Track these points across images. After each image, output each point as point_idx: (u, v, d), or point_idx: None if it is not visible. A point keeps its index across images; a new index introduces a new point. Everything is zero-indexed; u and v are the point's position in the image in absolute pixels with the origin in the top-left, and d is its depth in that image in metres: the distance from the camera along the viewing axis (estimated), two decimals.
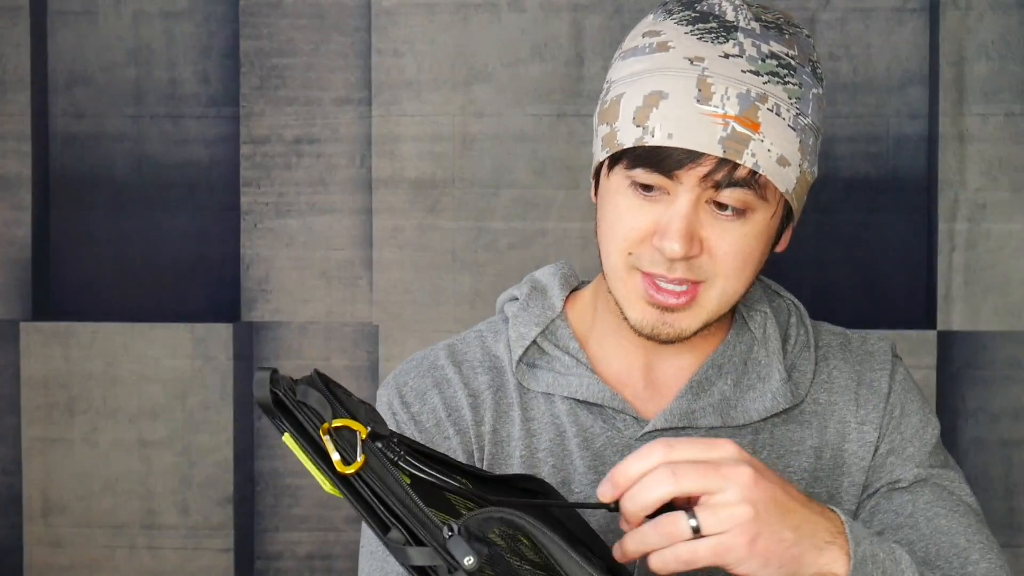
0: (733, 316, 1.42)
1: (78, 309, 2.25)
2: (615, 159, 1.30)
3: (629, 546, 1.11)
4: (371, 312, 2.20)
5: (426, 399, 1.40)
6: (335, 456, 1.02)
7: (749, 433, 1.37)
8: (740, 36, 1.28)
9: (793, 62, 1.29)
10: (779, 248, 1.37)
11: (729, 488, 1.09)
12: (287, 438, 1.03)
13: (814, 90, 1.31)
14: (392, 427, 1.40)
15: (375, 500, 1.03)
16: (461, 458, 1.38)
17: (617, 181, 1.30)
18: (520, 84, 2.17)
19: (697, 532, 1.08)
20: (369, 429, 1.04)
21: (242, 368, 2.20)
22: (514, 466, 1.37)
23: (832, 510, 1.15)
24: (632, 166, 1.28)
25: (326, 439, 1.03)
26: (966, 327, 2.14)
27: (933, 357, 2.12)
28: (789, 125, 1.27)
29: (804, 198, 1.36)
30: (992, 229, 2.13)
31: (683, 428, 1.36)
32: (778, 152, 1.27)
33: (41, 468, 2.21)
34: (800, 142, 1.29)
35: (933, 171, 2.14)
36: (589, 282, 1.46)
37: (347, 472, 1.02)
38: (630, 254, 1.30)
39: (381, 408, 1.43)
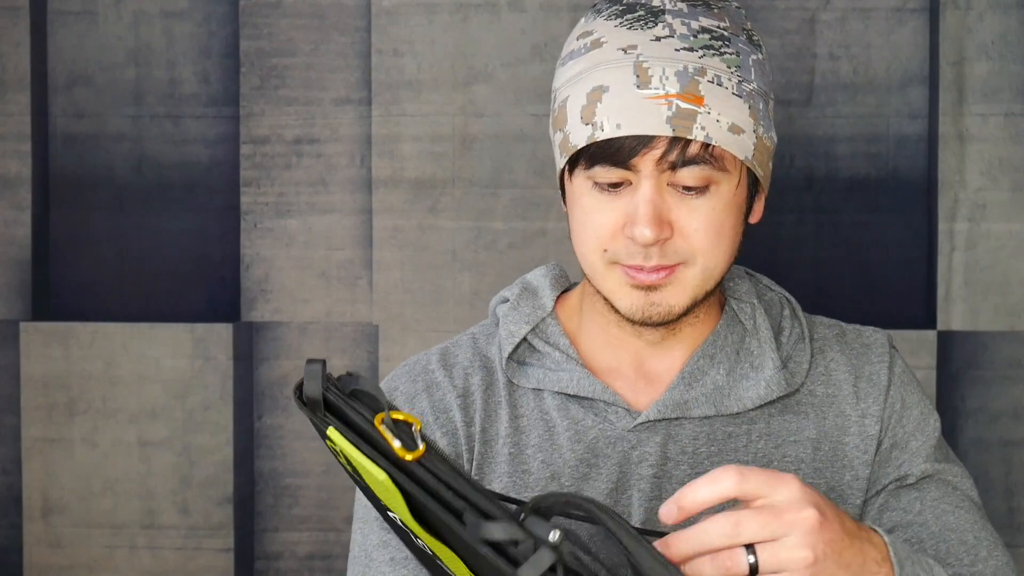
0: (723, 308, 1.43)
1: (78, 309, 2.25)
2: (573, 162, 1.31)
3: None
4: (371, 312, 2.20)
5: (415, 403, 1.41)
6: (396, 443, 1.00)
7: (744, 423, 1.37)
8: (668, 18, 1.30)
9: (726, 32, 1.30)
10: (753, 219, 1.38)
11: (792, 535, 1.06)
12: (333, 432, 1.02)
13: (754, 56, 1.32)
14: None
15: (441, 484, 1.00)
16: None
17: (579, 184, 1.32)
18: (520, 84, 2.17)
19: (754, 570, 1.06)
20: (421, 421, 1.04)
21: (242, 368, 2.20)
22: (501, 464, 1.38)
23: (875, 531, 1.14)
24: (590, 165, 1.29)
25: (382, 428, 1.01)
26: (966, 327, 2.14)
27: (933, 357, 2.12)
28: (734, 93, 1.29)
29: (769, 166, 1.36)
30: (992, 229, 2.13)
31: (676, 419, 1.37)
32: (728, 121, 1.28)
33: (41, 468, 2.21)
34: (750, 108, 1.30)
35: (933, 171, 2.14)
36: (579, 283, 1.46)
37: (409, 458, 1.00)
38: (605, 251, 1.31)
39: None
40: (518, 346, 1.41)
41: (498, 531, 0.98)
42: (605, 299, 1.35)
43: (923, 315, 2.17)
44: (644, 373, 1.40)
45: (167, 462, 2.20)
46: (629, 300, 1.32)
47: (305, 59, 2.20)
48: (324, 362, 1.03)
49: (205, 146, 2.24)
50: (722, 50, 1.29)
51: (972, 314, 2.14)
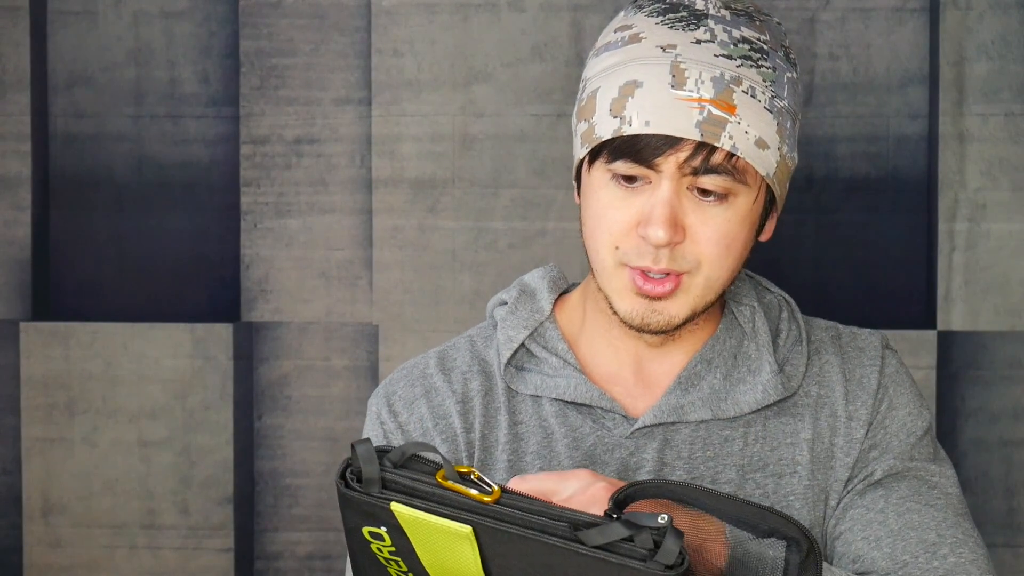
0: (722, 311, 1.42)
1: (78, 309, 2.25)
2: (595, 154, 1.31)
3: None
4: (371, 312, 2.20)
5: (414, 408, 1.40)
6: (473, 492, 1.01)
7: (741, 426, 1.37)
8: (711, 23, 1.29)
9: (765, 46, 1.30)
10: (763, 237, 1.38)
11: (590, 510, 1.09)
12: (398, 507, 1.02)
13: (788, 74, 1.31)
14: (380, 437, 1.41)
15: (532, 514, 1.02)
16: None
17: (598, 176, 1.31)
18: (520, 84, 2.17)
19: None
20: (476, 468, 1.05)
21: (242, 368, 2.20)
22: (500, 470, 1.37)
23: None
24: (612, 159, 1.29)
25: (450, 484, 1.02)
26: (966, 327, 2.14)
27: (933, 357, 2.12)
28: (765, 107, 1.28)
29: (787, 185, 1.36)
30: (992, 229, 2.13)
31: (672, 423, 1.37)
32: (756, 134, 1.27)
33: (41, 468, 2.21)
34: (778, 124, 1.29)
35: (933, 171, 2.14)
36: (578, 284, 1.46)
37: (489, 500, 1.02)
38: (617, 248, 1.31)
39: (369, 417, 1.43)
40: (516, 351, 1.41)
41: (615, 532, 1.00)
42: (606, 298, 1.35)
43: (923, 315, 2.17)
44: (643, 378, 1.40)
45: (167, 462, 2.20)
46: (631, 305, 1.32)
47: (305, 59, 2.20)
48: (370, 440, 1.03)
49: (205, 146, 2.23)
50: (760, 63, 1.29)
51: (972, 314, 2.13)
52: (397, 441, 1.39)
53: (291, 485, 2.21)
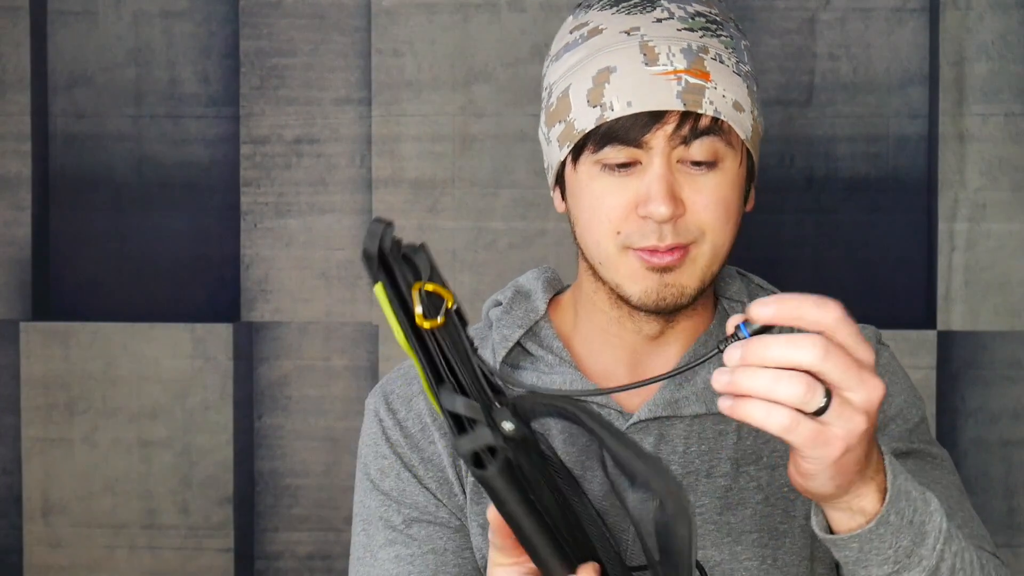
0: (715, 308, 1.43)
1: (78, 309, 2.25)
2: (578, 150, 1.32)
3: (747, 382, 1.02)
4: (371, 312, 2.20)
5: (411, 405, 1.41)
6: (418, 309, 1.02)
7: (734, 420, 1.37)
8: (664, 3, 1.34)
9: (718, 18, 1.35)
10: (748, 207, 1.39)
11: (859, 393, 1.03)
12: (378, 288, 1.03)
13: (744, 42, 1.36)
14: (378, 435, 1.41)
15: (440, 357, 1.03)
16: (445, 463, 1.38)
17: (586, 171, 1.32)
18: (520, 84, 2.17)
19: (818, 413, 1.02)
20: (456, 304, 1.05)
21: (242, 368, 2.20)
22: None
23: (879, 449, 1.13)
24: (599, 147, 1.30)
25: (415, 294, 1.03)
26: (966, 327, 2.14)
27: (933, 357, 2.12)
28: (734, 72, 1.32)
29: (759, 151, 1.38)
30: (992, 229, 2.13)
31: (668, 417, 1.37)
32: (732, 97, 1.30)
33: (41, 468, 2.21)
34: (747, 88, 1.33)
35: (933, 171, 2.14)
36: (571, 286, 1.47)
37: (424, 326, 1.02)
38: (619, 233, 1.31)
39: (368, 416, 1.43)
40: (511, 350, 1.41)
41: (460, 406, 1.02)
42: (612, 290, 1.35)
43: (923, 315, 2.17)
44: (638, 374, 1.40)
45: (167, 462, 2.21)
46: (643, 285, 1.32)
47: (305, 59, 2.20)
48: (390, 223, 1.03)
49: (205, 146, 2.24)
50: (718, 32, 1.33)
51: (972, 314, 2.13)
52: (397, 439, 1.40)
53: (291, 485, 2.22)
